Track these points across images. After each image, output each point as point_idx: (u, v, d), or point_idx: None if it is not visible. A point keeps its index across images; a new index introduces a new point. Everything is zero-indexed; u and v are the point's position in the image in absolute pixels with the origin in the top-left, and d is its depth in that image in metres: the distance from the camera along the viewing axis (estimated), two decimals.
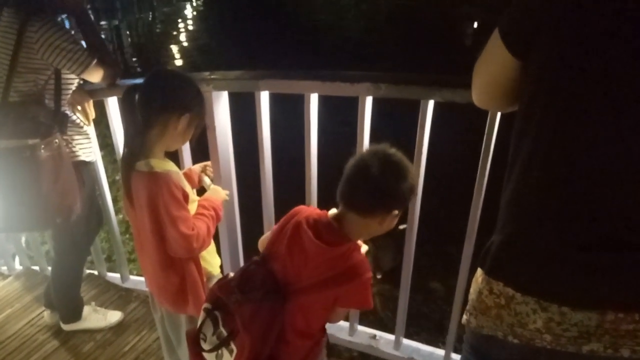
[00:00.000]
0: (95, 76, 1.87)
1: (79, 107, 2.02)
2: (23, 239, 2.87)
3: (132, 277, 2.64)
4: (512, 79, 0.88)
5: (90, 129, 2.09)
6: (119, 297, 2.51)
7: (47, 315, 2.33)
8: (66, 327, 2.26)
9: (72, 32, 1.81)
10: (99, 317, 2.30)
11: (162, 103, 1.31)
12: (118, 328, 2.29)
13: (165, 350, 1.70)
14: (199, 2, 20.60)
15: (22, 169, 1.75)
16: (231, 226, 2.03)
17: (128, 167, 1.34)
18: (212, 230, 1.43)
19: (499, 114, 1.39)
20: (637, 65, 0.72)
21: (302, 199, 1.73)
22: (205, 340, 1.18)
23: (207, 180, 1.60)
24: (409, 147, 1.74)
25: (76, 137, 1.98)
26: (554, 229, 0.83)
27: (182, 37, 13.85)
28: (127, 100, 1.31)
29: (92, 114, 2.07)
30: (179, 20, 16.32)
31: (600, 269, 0.80)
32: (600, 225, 0.80)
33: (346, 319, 2.01)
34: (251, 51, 9.75)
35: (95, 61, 1.82)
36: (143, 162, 1.32)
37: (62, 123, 1.86)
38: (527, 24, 0.80)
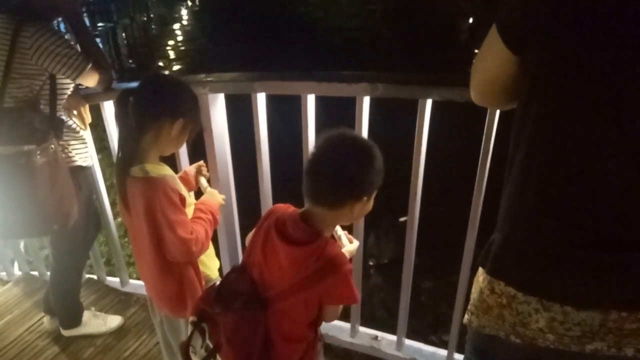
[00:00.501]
0: (91, 80, 1.86)
1: (75, 112, 2.01)
2: (22, 244, 2.85)
3: (131, 281, 2.63)
4: (511, 75, 0.86)
5: (87, 134, 2.08)
6: (118, 301, 2.50)
7: (46, 321, 2.32)
8: (66, 333, 2.25)
9: (67, 37, 1.80)
10: (99, 322, 2.29)
11: (155, 108, 1.31)
12: (118, 333, 2.28)
13: (165, 355, 1.70)
14: (194, 3, 20.56)
15: (18, 175, 1.74)
16: (230, 229, 2.02)
17: (123, 172, 1.33)
18: (210, 234, 1.42)
19: (497, 112, 1.39)
20: (638, 62, 0.71)
21: (300, 200, 1.72)
22: (195, 353, 1.17)
23: (203, 182, 1.58)
24: (403, 146, 1.74)
25: (72, 142, 1.96)
26: (555, 228, 0.83)
27: (178, 38, 13.82)
28: (121, 105, 1.30)
29: (88, 118, 2.06)
30: (175, 22, 16.29)
31: (603, 268, 0.80)
32: (602, 224, 0.79)
33: (347, 320, 2.01)
34: (247, 51, 9.73)
35: (90, 65, 1.80)
36: (138, 167, 1.31)
37: (57, 128, 1.84)
38: (525, 19, 0.79)
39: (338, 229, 1.26)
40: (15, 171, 1.73)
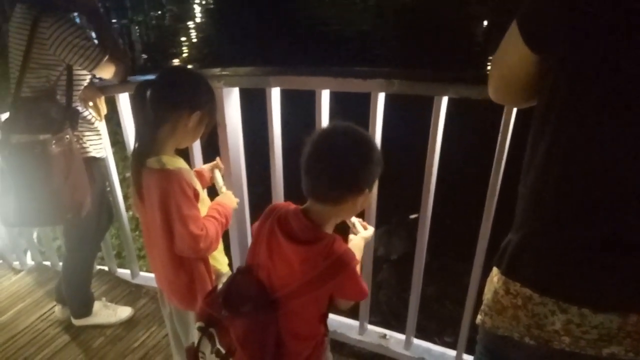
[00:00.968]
0: (107, 72, 1.87)
1: (91, 103, 2.02)
2: (35, 235, 2.89)
3: (142, 273, 2.64)
4: (530, 74, 0.85)
5: (102, 125, 2.10)
6: (129, 293, 2.51)
7: (58, 310, 2.34)
8: (77, 322, 2.27)
9: (85, 29, 1.82)
10: (109, 312, 2.31)
11: (173, 100, 1.31)
12: (128, 324, 2.30)
13: (173, 346, 1.70)
14: (207, 1, 20.65)
15: (33, 164, 1.75)
16: (241, 223, 2.02)
17: (139, 163, 1.33)
18: (220, 235, 1.41)
19: (514, 111, 1.37)
20: None
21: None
22: (204, 359, 1.15)
23: (219, 178, 1.56)
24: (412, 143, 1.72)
25: (87, 133, 1.98)
26: (575, 229, 0.81)
27: (192, 33, 13.89)
28: (139, 97, 1.30)
29: (103, 109, 2.07)
30: (188, 17, 16.38)
31: (622, 270, 0.78)
32: (623, 226, 0.77)
33: (356, 318, 2.00)
34: (260, 47, 9.75)
35: (106, 57, 1.82)
36: (154, 158, 1.31)
37: (73, 119, 1.86)
38: (546, 17, 0.77)
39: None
40: (31, 160, 1.75)
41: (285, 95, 1.73)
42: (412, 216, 1.54)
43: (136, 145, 1.36)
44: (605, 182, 0.77)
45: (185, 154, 1.58)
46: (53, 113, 1.78)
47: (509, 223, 0.93)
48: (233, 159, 1.86)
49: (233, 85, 1.75)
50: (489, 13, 12.36)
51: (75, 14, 1.94)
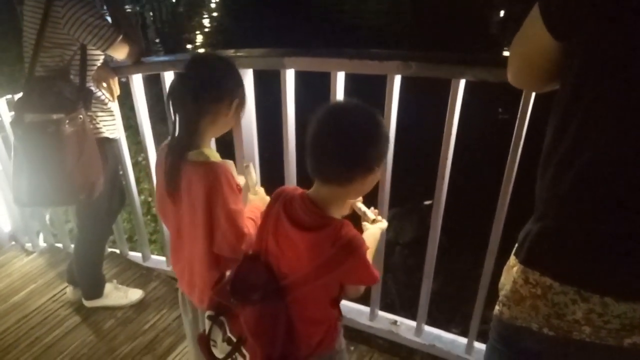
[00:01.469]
0: (121, 53, 1.86)
1: (104, 84, 2.01)
2: (47, 217, 2.91)
3: (153, 256, 2.65)
4: (551, 60, 0.81)
5: (115, 107, 2.09)
6: (140, 275, 2.53)
7: (69, 292, 2.36)
8: (88, 304, 2.29)
9: (99, 9, 1.80)
10: (120, 294, 2.32)
11: (216, 92, 1.25)
12: (139, 306, 2.31)
13: (193, 353, 1.63)
14: None
15: (46, 143, 1.75)
16: None
17: (178, 157, 1.25)
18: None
19: (533, 95, 1.33)
20: None
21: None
22: (216, 347, 1.14)
23: (254, 175, 1.45)
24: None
25: (100, 113, 1.98)
26: (597, 218, 0.78)
27: (205, 19, 13.86)
28: (179, 91, 1.24)
29: (117, 90, 2.06)
30: (202, 2, 16.33)
31: None
32: None
33: (367, 304, 1.99)
34: (275, 34, 9.70)
35: (120, 37, 1.80)
36: (196, 151, 1.24)
37: (86, 99, 1.86)
38: (570, 2, 0.74)
39: (361, 205, 1.22)
40: (44, 139, 1.75)
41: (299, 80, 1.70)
42: (427, 202, 1.50)
43: (173, 139, 1.28)
44: (629, 172, 0.74)
45: None
46: (67, 93, 1.78)
47: (522, 212, 0.90)
48: (246, 141, 1.85)
49: (247, 67, 1.72)
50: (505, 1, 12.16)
51: None
